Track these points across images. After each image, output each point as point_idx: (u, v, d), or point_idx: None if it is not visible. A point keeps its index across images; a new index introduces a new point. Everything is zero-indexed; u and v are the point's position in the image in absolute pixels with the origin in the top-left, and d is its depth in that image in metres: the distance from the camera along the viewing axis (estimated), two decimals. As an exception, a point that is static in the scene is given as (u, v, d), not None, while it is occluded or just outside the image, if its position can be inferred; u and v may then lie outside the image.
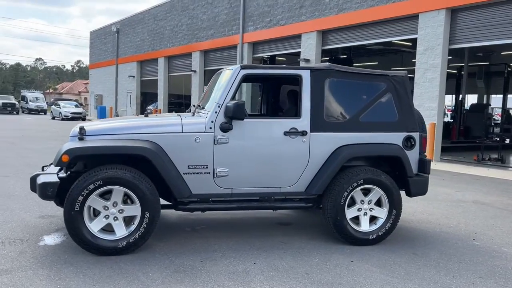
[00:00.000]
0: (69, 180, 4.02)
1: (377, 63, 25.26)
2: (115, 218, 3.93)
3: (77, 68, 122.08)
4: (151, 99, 31.30)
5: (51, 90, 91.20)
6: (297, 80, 4.49)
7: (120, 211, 3.93)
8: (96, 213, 3.94)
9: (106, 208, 3.90)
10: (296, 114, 4.47)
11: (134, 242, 3.92)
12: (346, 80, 4.51)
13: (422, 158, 4.70)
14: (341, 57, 22.03)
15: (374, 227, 4.51)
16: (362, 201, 4.48)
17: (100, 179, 3.79)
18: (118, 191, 3.88)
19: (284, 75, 4.47)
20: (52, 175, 4.07)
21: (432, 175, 9.98)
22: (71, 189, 3.78)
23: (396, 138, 4.59)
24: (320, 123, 4.39)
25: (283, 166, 4.33)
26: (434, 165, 11.76)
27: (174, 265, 3.77)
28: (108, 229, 3.97)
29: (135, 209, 3.93)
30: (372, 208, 4.51)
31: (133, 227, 3.95)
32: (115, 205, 3.91)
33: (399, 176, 4.68)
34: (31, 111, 42.97)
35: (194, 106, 4.86)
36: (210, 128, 4.17)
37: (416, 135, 4.66)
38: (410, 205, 6.49)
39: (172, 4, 25.63)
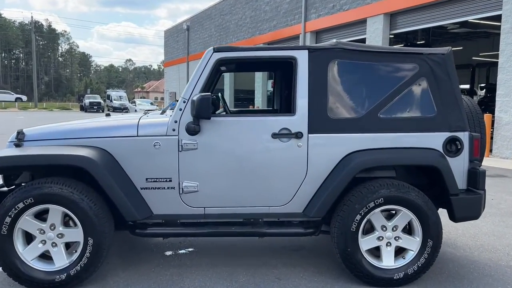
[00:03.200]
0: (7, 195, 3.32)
1: (461, 48, 22.57)
2: (54, 244, 3.16)
3: (162, 67, 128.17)
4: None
5: (139, 89, 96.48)
6: (291, 64, 3.39)
7: (60, 235, 3.16)
8: (32, 238, 3.20)
9: (42, 231, 3.14)
10: (290, 109, 3.38)
11: (76, 275, 3.12)
12: (360, 63, 3.33)
13: (474, 168, 3.36)
14: (418, 42, 19.91)
15: (401, 263, 3.29)
16: (383, 227, 3.28)
17: (32, 196, 3.04)
18: (56, 211, 3.11)
19: (274, 59, 3.38)
20: (-12, 189, 3.41)
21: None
22: (-2, 208, 3.07)
23: (433, 140, 3.32)
24: (321, 121, 3.26)
25: (272, 179, 3.28)
26: (521, 166, 9.76)
27: (116, 309, 2.91)
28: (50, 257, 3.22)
29: (76, 234, 3.14)
30: (398, 237, 3.29)
31: (75, 256, 3.15)
32: (53, 228, 3.14)
33: (441, 192, 3.40)
34: (115, 109, 45.18)
35: (177, 101, 3.96)
36: (173, 130, 3.24)
37: (463, 135, 3.34)
38: (473, 223, 5.04)
39: (237, -3, 25.06)
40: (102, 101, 44.99)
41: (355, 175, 3.21)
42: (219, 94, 4.08)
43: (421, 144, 3.31)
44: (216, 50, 3.29)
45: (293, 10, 19.69)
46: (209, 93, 3.09)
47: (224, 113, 3.82)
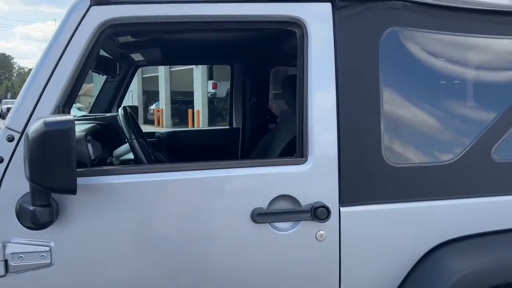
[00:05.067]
0: None
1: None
2: None
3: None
4: (155, 98, 28.68)
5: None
6: (290, 40, 1.42)
7: None
8: None
9: None
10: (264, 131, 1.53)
11: None
12: (447, 37, 1.44)
13: None
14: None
15: None
16: None
17: None
18: None
19: (245, 26, 1.39)
20: None
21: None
22: None
23: None
24: (371, 174, 1.34)
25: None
26: None
27: None
28: None
29: None
30: None
31: None
32: None
33: None
34: (38, 116, 41.31)
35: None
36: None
37: None
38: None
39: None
40: (22, 107, 41.07)
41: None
42: (120, 112, 1.90)
43: None
44: (98, 1, 1.24)
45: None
46: (70, 116, 1.05)
47: (132, 157, 1.72)
